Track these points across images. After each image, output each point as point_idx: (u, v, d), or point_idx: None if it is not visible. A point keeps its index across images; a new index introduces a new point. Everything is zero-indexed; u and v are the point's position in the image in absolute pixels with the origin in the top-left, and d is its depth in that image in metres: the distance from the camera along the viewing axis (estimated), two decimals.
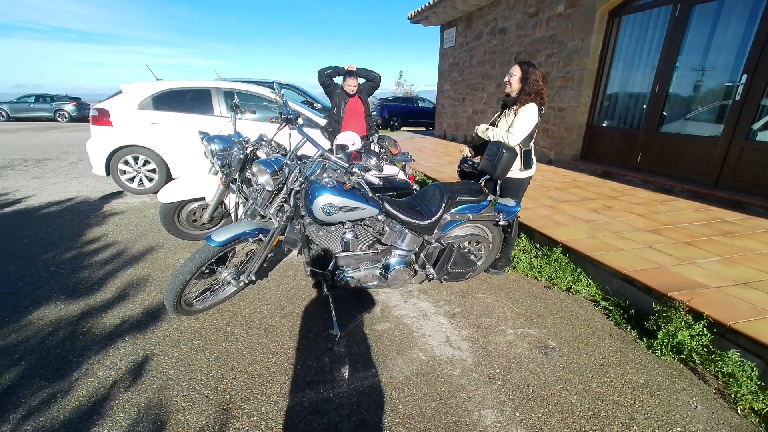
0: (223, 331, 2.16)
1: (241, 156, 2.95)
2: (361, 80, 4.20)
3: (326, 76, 4.07)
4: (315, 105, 7.51)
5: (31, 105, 18.11)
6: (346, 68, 4.06)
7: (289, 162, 2.07)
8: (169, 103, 4.75)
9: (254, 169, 1.96)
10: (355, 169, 1.96)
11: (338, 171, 2.11)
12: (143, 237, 3.47)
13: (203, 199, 3.23)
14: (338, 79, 4.21)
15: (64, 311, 2.27)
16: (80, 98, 19.60)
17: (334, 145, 3.68)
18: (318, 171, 2.09)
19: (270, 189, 1.98)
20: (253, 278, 2.27)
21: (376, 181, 1.99)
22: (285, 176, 2.00)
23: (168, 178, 4.91)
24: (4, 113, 17.90)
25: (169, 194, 3.06)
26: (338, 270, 2.26)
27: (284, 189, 2.06)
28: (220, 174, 3.03)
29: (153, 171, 4.82)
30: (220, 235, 1.99)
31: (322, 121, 5.06)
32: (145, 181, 4.84)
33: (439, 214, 2.31)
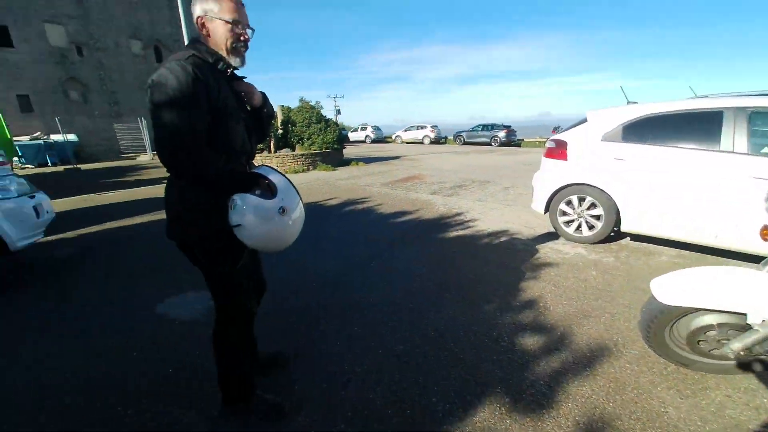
0: None
1: None
2: None
3: None
4: None
5: (478, 132, 23.50)
6: None
7: None
8: (644, 133, 3.53)
9: None
10: None
11: None
12: (588, 319, 2.49)
13: (742, 315, 1.72)
14: None
15: None
16: (510, 126, 23.26)
17: None
18: None
19: None
20: None
21: None
22: None
23: (616, 229, 3.77)
24: (462, 138, 24.40)
25: (674, 292, 1.80)
26: None
27: None
28: None
29: (597, 218, 3.84)
30: None
31: None
32: (584, 227, 3.96)
33: None
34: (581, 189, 3.88)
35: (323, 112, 13.49)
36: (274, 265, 3.34)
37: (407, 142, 27.04)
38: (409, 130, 27.60)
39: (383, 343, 2.28)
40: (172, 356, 2.17)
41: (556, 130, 20.57)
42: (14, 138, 12.44)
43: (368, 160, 13.99)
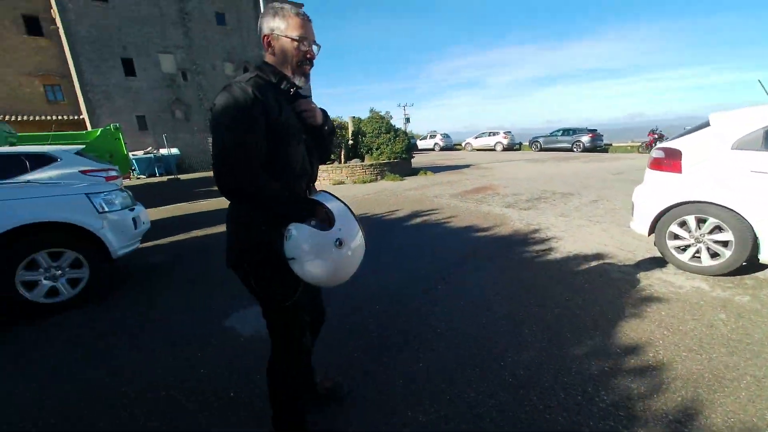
0: None
1: None
2: None
3: None
4: None
5: (558, 137, 21.68)
6: None
7: None
8: None
9: None
10: None
11: None
12: (722, 382, 1.92)
13: None
14: None
15: None
16: (596, 130, 21.07)
17: None
18: None
19: None
20: None
21: None
22: None
23: (751, 259, 3.00)
24: (538, 144, 22.77)
25: None
26: None
27: None
28: None
29: (724, 244, 3.09)
30: None
31: None
32: (703, 254, 3.21)
33: None
34: (701, 208, 3.16)
35: (393, 121, 13.57)
36: None
37: (478, 150, 26.04)
38: (480, 136, 26.57)
39: (451, 387, 2.00)
40: (234, 374, 2.15)
41: (654, 133, 18.07)
42: (131, 153, 14.58)
43: (437, 169, 13.66)
